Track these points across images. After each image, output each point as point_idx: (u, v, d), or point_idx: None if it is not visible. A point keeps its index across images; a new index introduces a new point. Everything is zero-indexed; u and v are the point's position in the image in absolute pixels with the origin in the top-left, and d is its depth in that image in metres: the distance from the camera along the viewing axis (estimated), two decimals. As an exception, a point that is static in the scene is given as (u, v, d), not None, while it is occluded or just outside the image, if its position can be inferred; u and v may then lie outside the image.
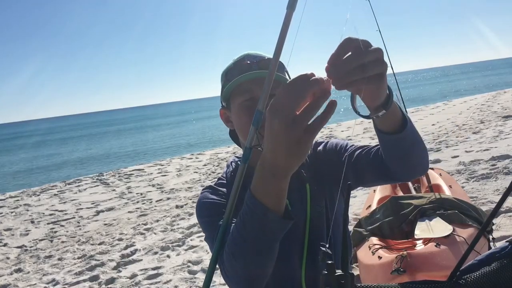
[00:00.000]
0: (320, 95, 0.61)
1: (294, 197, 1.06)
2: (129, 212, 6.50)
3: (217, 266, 0.89)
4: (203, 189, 1.15)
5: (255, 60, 1.06)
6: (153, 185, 8.34)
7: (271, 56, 1.09)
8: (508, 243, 0.65)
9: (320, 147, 1.16)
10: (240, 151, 1.17)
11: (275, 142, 0.63)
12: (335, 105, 0.63)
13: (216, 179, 1.19)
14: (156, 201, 6.94)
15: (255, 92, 1.03)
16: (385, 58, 0.67)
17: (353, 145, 1.11)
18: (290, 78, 1.12)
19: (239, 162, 1.19)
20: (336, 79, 0.64)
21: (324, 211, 1.08)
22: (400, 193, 3.29)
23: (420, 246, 2.10)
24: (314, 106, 0.61)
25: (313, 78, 0.62)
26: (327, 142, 1.17)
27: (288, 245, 1.05)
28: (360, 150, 1.06)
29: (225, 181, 1.15)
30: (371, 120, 0.84)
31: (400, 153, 0.89)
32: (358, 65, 0.63)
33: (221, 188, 1.12)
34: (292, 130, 0.61)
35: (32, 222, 6.65)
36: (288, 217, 0.75)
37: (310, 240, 1.05)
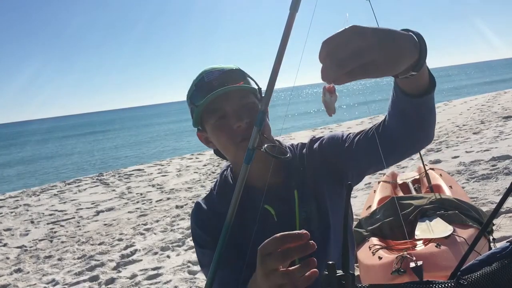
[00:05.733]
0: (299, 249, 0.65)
1: (280, 207, 1.05)
2: (129, 212, 6.50)
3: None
4: (193, 206, 1.17)
5: (214, 76, 1.03)
6: (153, 185, 8.34)
7: (229, 65, 1.08)
8: (509, 243, 0.65)
9: (316, 145, 1.12)
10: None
11: None
12: (316, 274, 0.65)
13: (209, 190, 1.20)
14: (156, 201, 6.94)
15: (225, 109, 1.01)
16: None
17: (349, 134, 1.07)
18: (256, 84, 1.09)
19: (231, 175, 1.18)
20: (335, 77, 0.59)
21: (316, 213, 1.05)
22: (401, 194, 3.29)
23: (420, 247, 2.09)
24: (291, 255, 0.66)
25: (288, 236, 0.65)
26: (323, 139, 1.12)
27: None
28: (358, 136, 1.02)
29: (214, 195, 1.15)
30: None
31: (420, 117, 0.83)
32: (351, 53, 0.57)
33: (206, 209, 1.13)
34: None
35: (32, 222, 6.65)
36: None
37: None
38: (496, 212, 0.80)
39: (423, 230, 2.23)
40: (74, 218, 6.62)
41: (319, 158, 1.08)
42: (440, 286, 0.60)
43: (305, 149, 1.13)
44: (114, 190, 8.43)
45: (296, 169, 1.08)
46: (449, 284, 0.60)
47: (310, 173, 1.08)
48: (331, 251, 1.05)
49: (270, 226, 1.03)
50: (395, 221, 2.44)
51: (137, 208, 6.63)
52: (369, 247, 2.26)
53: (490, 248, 2.22)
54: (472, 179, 5.00)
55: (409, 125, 0.86)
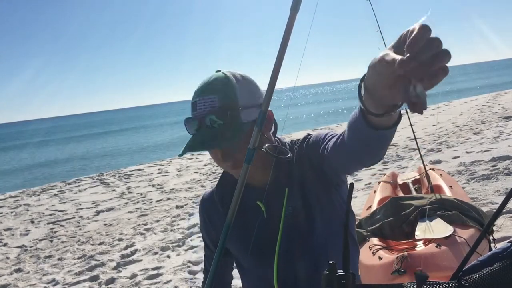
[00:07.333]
0: None
1: (271, 204, 1.08)
2: (129, 212, 6.50)
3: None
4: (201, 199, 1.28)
5: (194, 100, 1.03)
6: (153, 185, 8.34)
7: (210, 77, 1.07)
8: (510, 243, 0.64)
9: (304, 144, 1.12)
10: None
11: None
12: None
13: (215, 182, 1.28)
14: (156, 201, 6.94)
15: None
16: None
17: (329, 135, 1.02)
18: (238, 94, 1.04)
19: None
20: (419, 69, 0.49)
21: (302, 209, 1.07)
22: (401, 194, 3.28)
23: (420, 247, 2.09)
24: None
25: None
26: (310, 137, 1.11)
27: (264, 246, 1.06)
28: (332, 139, 0.97)
29: (215, 191, 1.22)
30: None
31: (381, 145, 0.78)
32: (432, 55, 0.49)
33: (208, 206, 1.23)
34: None
35: (32, 222, 6.65)
36: None
37: (284, 241, 1.05)
38: (498, 213, 0.80)
39: (423, 230, 2.23)
40: (74, 218, 6.62)
41: (306, 156, 1.09)
42: (442, 287, 0.60)
43: (298, 147, 1.13)
44: (114, 190, 8.43)
45: (290, 166, 1.10)
46: (451, 285, 0.60)
47: (299, 170, 1.10)
48: (318, 245, 1.08)
49: (259, 221, 1.08)
50: (395, 221, 2.44)
51: (137, 208, 6.63)
52: (369, 247, 2.26)
53: (490, 249, 2.22)
54: (473, 180, 4.99)
55: (371, 150, 0.80)
